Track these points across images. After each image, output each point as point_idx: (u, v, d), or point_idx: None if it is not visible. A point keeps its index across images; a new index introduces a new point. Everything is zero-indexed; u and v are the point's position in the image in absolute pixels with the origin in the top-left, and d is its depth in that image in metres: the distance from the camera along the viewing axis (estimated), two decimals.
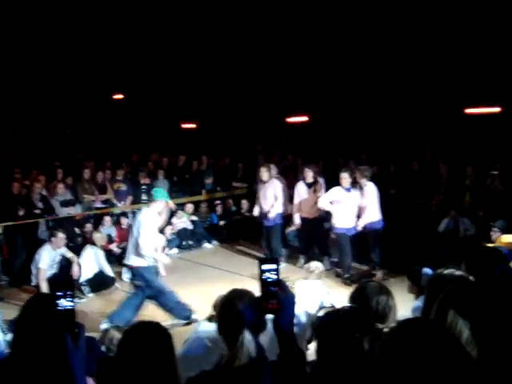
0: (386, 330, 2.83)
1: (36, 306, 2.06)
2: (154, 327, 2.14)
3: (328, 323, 2.29)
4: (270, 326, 2.20)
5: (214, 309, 4.59)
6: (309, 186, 9.44)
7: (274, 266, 2.00)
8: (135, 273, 6.98)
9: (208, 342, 4.24)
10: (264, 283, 1.99)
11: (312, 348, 4.88)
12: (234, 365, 2.06)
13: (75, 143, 16.59)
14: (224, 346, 2.28)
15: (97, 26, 15.25)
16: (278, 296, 1.97)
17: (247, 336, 2.09)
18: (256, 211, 9.89)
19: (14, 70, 16.91)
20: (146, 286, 6.86)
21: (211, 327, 4.33)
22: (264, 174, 9.61)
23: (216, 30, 14.19)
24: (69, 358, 1.83)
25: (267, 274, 1.99)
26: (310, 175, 9.42)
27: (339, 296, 5.96)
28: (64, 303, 1.90)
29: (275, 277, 1.99)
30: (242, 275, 9.01)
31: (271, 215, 9.53)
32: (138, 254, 6.80)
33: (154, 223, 6.98)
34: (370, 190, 8.77)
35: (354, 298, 2.97)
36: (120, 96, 17.00)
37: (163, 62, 15.86)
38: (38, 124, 18.56)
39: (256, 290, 2.38)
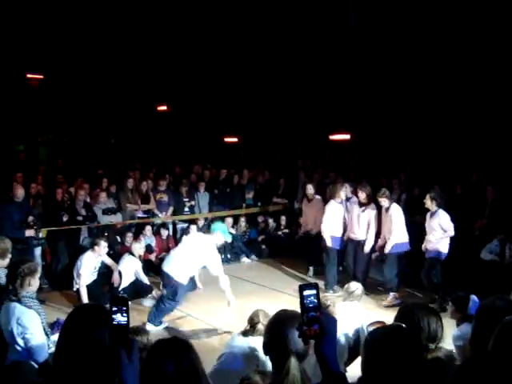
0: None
1: (84, 315, 2.08)
2: (177, 343, 2.14)
3: (379, 338, 2.19)
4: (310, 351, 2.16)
5: (248, 323, 4.56)
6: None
7: (314, 292, 1.97)
8: (173, 285, 7.27)
9: (242, 357, 4.20)
10: (305, 309, 1.96)
11: (349, 370, 4.80)
12: None
13: (119, 153, 16.88)
14: (263, 364, 2.26)
15: (146, 38, 15.60)
16: (320, 321, 1.94)
17: (294, 362, 2.06)
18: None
19: (62, 79, 17.43)
20: (170, 297, 7.32)
21: (245, 342, 4.30)
22: (341, 193, 9.32)
23: (262, 46, 14.31)
24: (122, 374, 1.84)
25: (308, 300, 1.97)
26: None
27: (378, 318, 5.83)
28: (119, 318, 1.92)
29: (316, 302, 1.97)
30: (279, 291, 8.98)
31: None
32: (184, 271, 7.25)
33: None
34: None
35: (402, 318, 2.92)
36: (164, 108, 17.25)
37: (209, 76, 16.06)
38: (84, 132, 19.01)
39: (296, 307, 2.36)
